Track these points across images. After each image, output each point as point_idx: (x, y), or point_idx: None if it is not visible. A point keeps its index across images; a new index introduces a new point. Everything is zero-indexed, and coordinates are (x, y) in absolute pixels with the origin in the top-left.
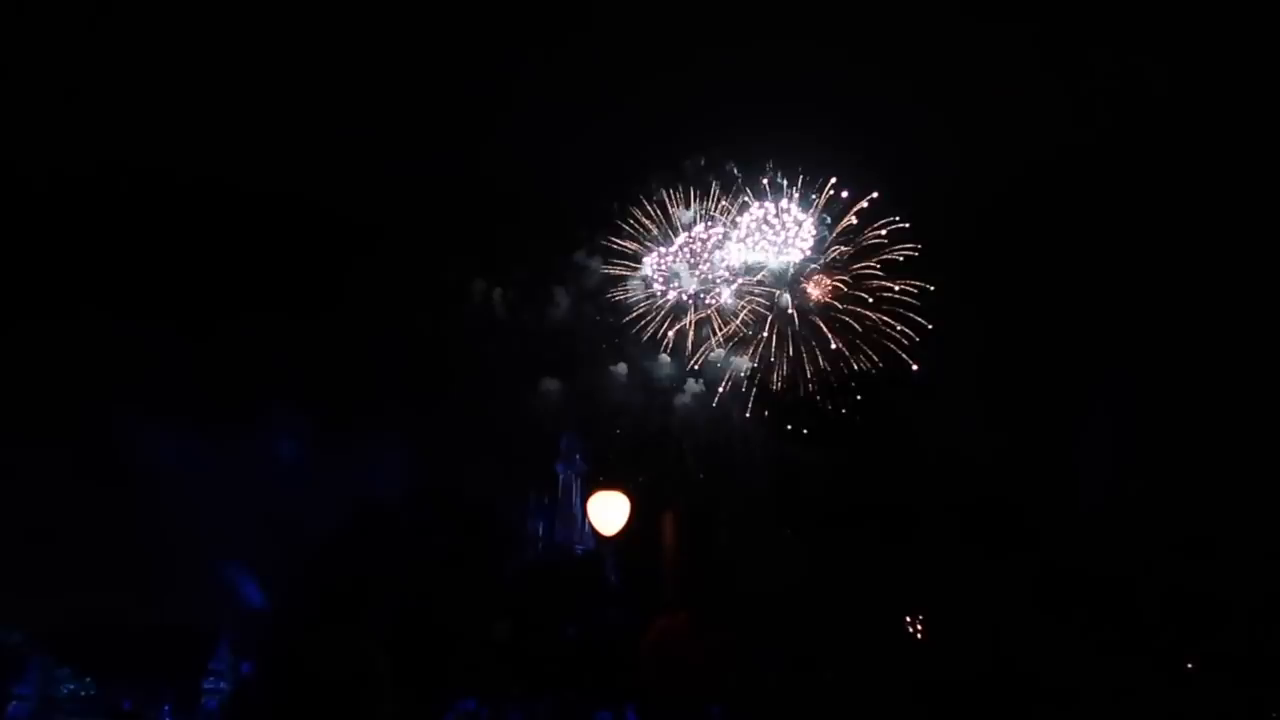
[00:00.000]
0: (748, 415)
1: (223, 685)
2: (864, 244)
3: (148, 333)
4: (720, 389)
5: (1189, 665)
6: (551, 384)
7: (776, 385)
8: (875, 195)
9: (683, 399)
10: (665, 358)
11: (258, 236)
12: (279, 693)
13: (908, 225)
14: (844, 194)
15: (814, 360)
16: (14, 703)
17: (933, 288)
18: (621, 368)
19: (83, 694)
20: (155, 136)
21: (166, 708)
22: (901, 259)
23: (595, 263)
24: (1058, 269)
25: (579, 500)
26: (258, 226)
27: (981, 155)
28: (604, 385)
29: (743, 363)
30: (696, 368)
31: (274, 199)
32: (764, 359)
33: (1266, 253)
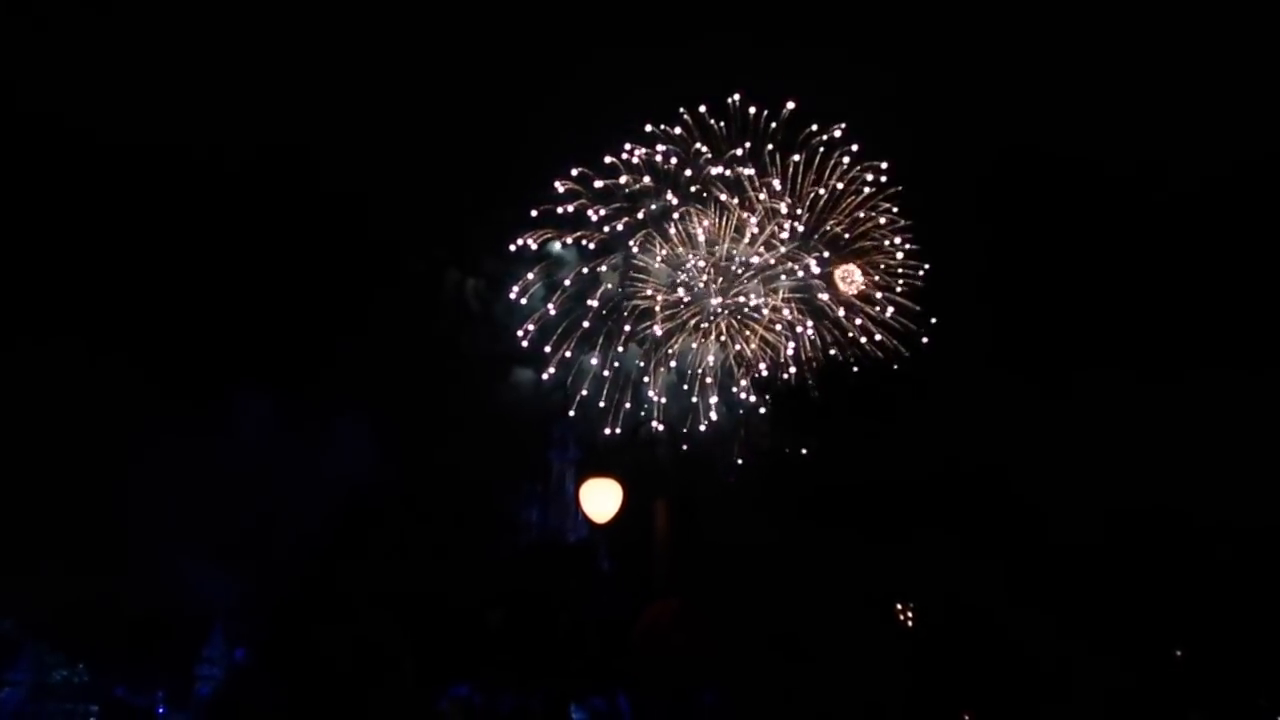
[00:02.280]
0: (725, 406)
1: (216, 672)
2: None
3: (130, 323)
4: (693, 380)
5: (1177, 653)
6: (525, 373)
7: (758, 374)
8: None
9: (658, 389)
10: (635, 348)
11: (235, 228)
12: (296, 684)
13: (907, 223)
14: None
15: (801, 348)
16: (6, 689)
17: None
18: (594, 359)
19: (76, 681)
20: (123, 112)
21: (160, 694)
22: (901, 255)
23: (569, 253)
24: (1054, 257)
25: (571, 489)
26: (234, 215)
27: (975, 139)
28: (579, 375)
29: (710, 351)
30: (671, 359)
31: (249, 184)
32: (740, 348)
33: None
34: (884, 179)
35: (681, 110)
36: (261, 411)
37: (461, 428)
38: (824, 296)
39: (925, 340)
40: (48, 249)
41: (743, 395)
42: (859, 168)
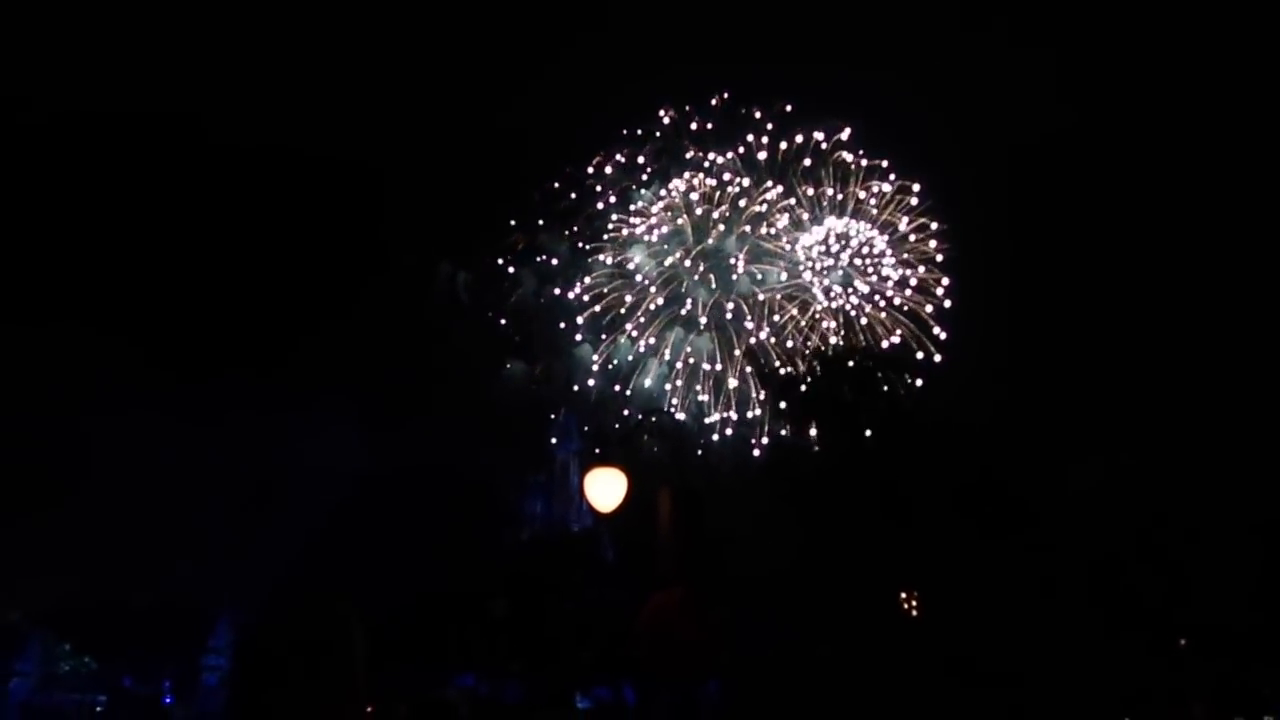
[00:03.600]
0: (724, 397)
1: (222, 662)
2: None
3: (128, 320)
4: (692, 371)
5: (1181, 642)
6: (518, 365)
7: (758, 364)
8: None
9: (654, 381)
10: (623, 340)
11: (231, 219)
12: (247, 659)
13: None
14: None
15: (802, 340)
16: (15, 679)
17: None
18: (586, 349)
19: (83, 671)
20: (122, 82)
21: (167, 684)
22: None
23: (561, 246)
24: (1053, 252)
25: (576, 479)
26: (230, 215)
27: (975, 140)
28: (570, 368)
29: (703, 343)
30: (667, 351)
31: (243, 171)
32: (730, 340)
33: (1255, 243)
34: (887, 186)
35: (661, 112)
36: (262, 404)
37: (464, 419)
38: (818, 317)
39: (938, 358)
40: (38, 240)
41: (739, 385)
42: (858, 170)
